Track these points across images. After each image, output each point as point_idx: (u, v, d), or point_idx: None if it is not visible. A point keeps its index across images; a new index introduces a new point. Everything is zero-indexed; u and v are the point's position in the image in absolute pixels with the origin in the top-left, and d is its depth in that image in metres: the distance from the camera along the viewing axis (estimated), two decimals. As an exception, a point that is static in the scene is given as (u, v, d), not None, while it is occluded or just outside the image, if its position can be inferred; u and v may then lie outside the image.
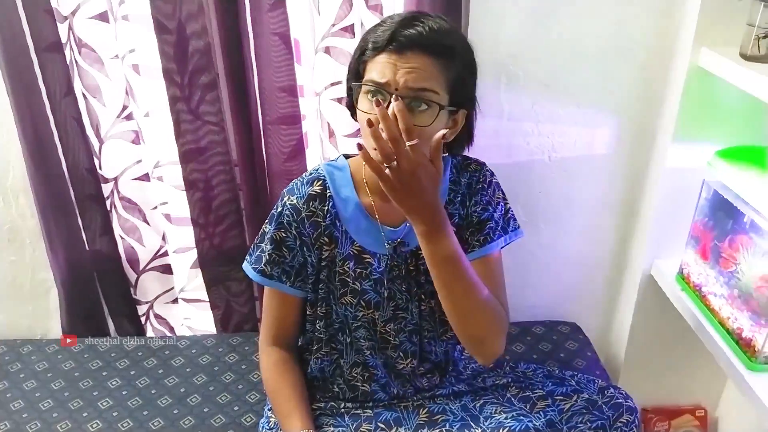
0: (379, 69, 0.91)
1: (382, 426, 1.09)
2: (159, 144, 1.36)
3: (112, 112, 1.33)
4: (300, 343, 1.17)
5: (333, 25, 1.23)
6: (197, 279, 1.51)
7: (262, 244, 1.07)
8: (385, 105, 0.87)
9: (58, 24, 1.23)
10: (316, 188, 1.05)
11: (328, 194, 1.05)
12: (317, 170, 1.08)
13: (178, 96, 1.29)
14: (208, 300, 1.53)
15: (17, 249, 1.50)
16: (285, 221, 1.04)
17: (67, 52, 1.26)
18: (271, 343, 1.13)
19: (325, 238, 1.05)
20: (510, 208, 1.11)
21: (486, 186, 1.09)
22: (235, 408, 1.32)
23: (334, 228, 1.05)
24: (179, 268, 1.51)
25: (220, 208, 1.42)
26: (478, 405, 1.09)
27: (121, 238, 1.47)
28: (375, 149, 0.87)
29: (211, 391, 1.36)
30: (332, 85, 1.30)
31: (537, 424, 1.01)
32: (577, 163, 1.38)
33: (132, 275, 1.51)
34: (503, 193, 1.11)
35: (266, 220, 1.08)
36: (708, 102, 1.18)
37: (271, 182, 1.39)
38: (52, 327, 1.57)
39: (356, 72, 0.97)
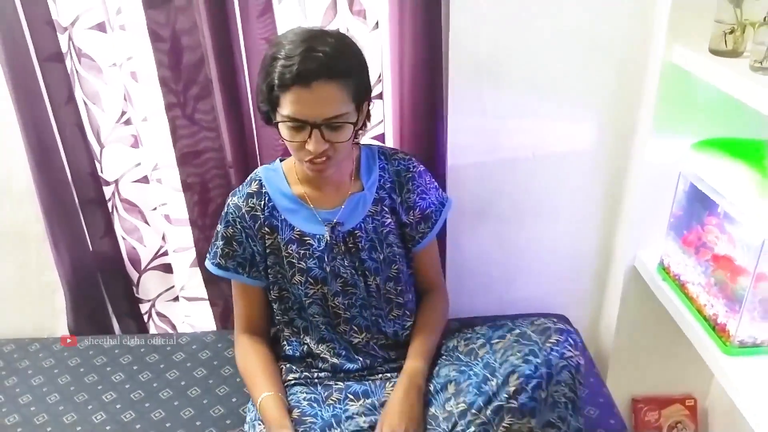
0: (293, 106, 1.03)
1: (351, 397, 1.18)
2: (157, 147, 1.42)
3: (112, 118, 1.39)
4: (272, 333, 1.30)
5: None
6: (197, 277, 1.57)
7: (217, 242, 1.22)
8: (307, 135, 1.04)
9: (58, 35, 1.29)
10: (254, 187, 1.20)
11: (264, 191, 1.19)
12: (255, 173, 1.23)
13: (174, 101, 1.34)
14: (207, 298, 1.59)
15: (24, 252, 1.56)
16: (230, 219, 1.19)
17: (68, 62, 1.32)
18: (241, 332, 1.26)
19: (266, 229, 1.19)
20: (436, 184, 1.26)
21: (416, 174, 1.23)
22: (233, 399, 1.37)
23: (273, 219, 1.19)
24: (179, 267, 1.56)
25: (216, 208, 1.47)
26: (434, 370, 1.20)
27: (123, 238, 1.53)
28: (306, 161, 1.07)
29: (210, 384, 1.41)
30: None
31: (476, 370, 1.09)
32: (561, 159, 1.42)
33: (134, 275, 1.57)
34: (429, 175, 1.25)
35: (219, 221, 1.22)
36: (683, 97, 1.22)
37: (264, 183, 1.44)
38: (59, 326, 1.63)
39: (270, 101, 1.07)
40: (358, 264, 1.20)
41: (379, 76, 1.33)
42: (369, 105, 1.14)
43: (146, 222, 1.51)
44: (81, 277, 1.55)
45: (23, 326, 1.63)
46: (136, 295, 1.60)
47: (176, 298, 1.62)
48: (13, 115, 1.35)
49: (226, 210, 1.20)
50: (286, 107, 1.04)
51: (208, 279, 1.56)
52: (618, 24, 1.27)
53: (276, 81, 1.03)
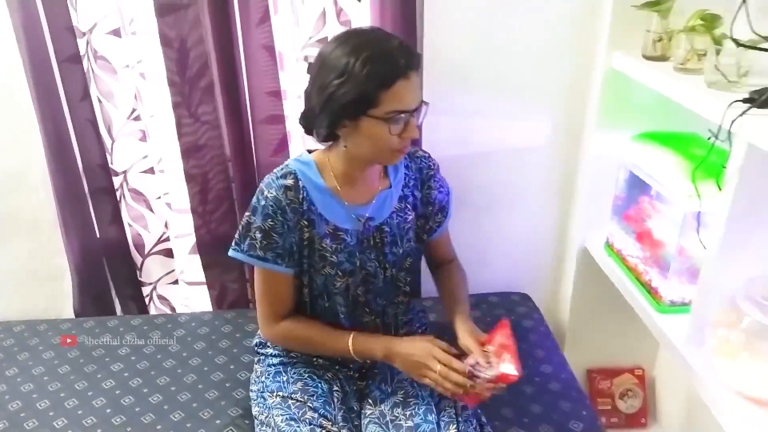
0: (401, 99, 1.10)
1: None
2: (163, 141, 1.58)
3: (123, 114, 1.55)
4: None
5: (310, 37, 1.47)
6: (195, 262, 1.72)
7: (252, 233, 1.22)
8: (403, 125, 1.12)
9: (77, 39, 1.45)
10: (289, 181, 1.21)
11: (300, 185, 1.21)
12: (287, 166, 1.25)
13: (180, 100, 1.51)
14: (205, 281, 1.74)
15: (36, 237, 1.70)
16: (270, 212, 1.20)
17: (85, 63, 1.48)
18: (273, 320, 1.29)
19: (305, 221, 1.22)
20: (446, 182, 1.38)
21: (436, 171, 1.34)
22: (231, 367, 1.52)
23: (310, 213, 1.22)
24: (179, 252, 1.71)
25: (215, 198, 1.63)
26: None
27: (129, 225, 1.68)
28: (397, 150, 1.15)
29: (210, 355, 1.55)
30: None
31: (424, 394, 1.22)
32: (521, 152, 1.62)
33: (138, 259, 1.72)
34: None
35: (248, 212, 1.23)
36: (622, 96, 1.43)
37: (259, 174, 1.61)
38: (66, 308, 1.77)
39: (362, 106, 1.10)
40: (381, 258, 1.28)
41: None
42: None
43: (151, 210, 1.67)
44: (88, 262, 1.69)
45: (33, 308, 1.76)
46: (139, 278, 1.75)
47: (176, 281, 1.77)
48: (32, 110, 1.50)
49: (263, 203, 1.20)
50: (391, 103, 1.09)
51: (206, 264, 1.71)
52: (568, 36, 1.48)
53: (379, 80, 1.07)
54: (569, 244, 1.70)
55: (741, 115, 0.96)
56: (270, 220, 1.20)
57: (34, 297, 1.76)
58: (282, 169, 1.25)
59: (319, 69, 1.13)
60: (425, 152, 1.36)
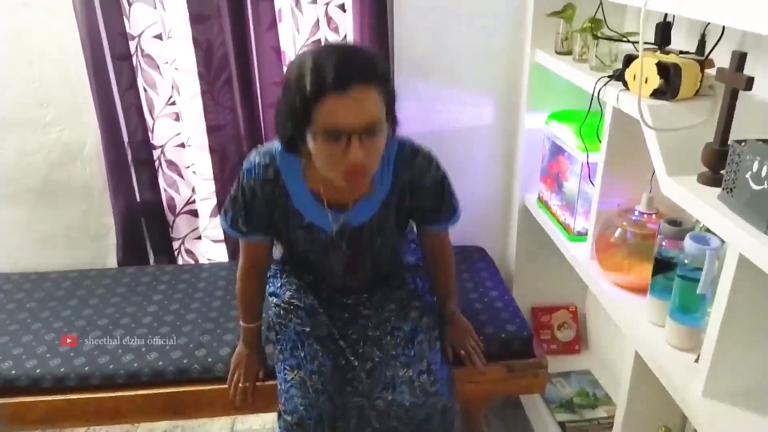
0: (333, 112, 1.02)
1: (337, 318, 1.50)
2: (192, 122, 2.01)
3: (163, 100, 1.98)
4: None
5: (307, 39, 1.91)
6: (216, 221, 2.14)
7: (235, 208, 1.36)
8: (345, 145, 1.07)
9: (129, 41, 1.89)
10: (270, 174, 1.26)
11: (281, 182, 1.27)
12: (275, 151, 1.27)
13: (206, 89, 1.93)
14: (223, 238, 2.16)
15: (88, 201, 2.11)
16: (249, 196, 1.32)
17: (134, 60, 1.91)
18: (249, 268, 1.49)
19: (280, 211, 1.34)
20: (453, 190, 1.46)
21: (428, 184, 1.38)
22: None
23: (288, 206, 1.30)
24: (203, 212, 2.14)
25: (232, 167, 2.05)
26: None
27: (164, 190, 2.10)
28: (343, 171, 1.11)
29: (228, 299, 1.90)
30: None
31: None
32: (472, 130, 2.05)
33: (170, 218, 2.14)
34: (448, 180, 1.44)
35: (234, 185, 1.36)
36: (543, 83, 1.87)
37: (267, 148, 2.03)
38: (110, 259, 2.18)
39: (303, 113, 1.06)
40: (358, 250, 1.40)
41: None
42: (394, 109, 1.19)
43: (182, 177, 2.09)
44: (129, 221, 2.10)
45: (82, 259, 2.18)
46: (171, 234, 2.17)
47: (200, 237, 2.19)
48: (90, 98, 1.93)
49: (243, 184, 1.30)
50: (322, 119, 1.03)
51: (224, 222, 2.13)
52: (503, 38, 1.92)
53: (309, 89, 1.01)
54: (512, 203, 2.13)
55: (604, 86, 1.41)
56: (249, 200, 1.33)
57: (84, 250, 2.17)
58: (265, 154, 1.28)
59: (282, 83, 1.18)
60: (430, 156, 1.37)
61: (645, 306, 1.34)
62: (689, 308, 1.19)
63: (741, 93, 1.06)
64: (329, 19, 1.89)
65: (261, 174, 1.27)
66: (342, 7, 1.88)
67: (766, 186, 0.91)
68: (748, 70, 1.05)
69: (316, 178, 1.25)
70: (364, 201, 1.30)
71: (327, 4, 1.87)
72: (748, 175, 0.95)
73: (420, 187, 1.35)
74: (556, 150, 1.82)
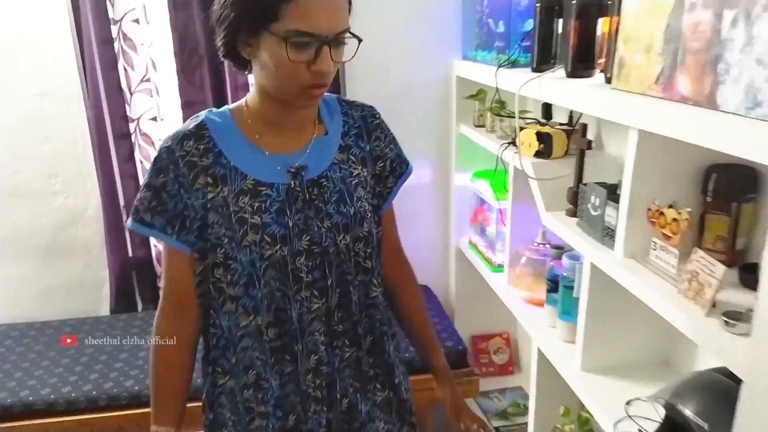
0: (309, 14, 0.89)
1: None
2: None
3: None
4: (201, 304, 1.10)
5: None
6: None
7: (142, 193, 1.03)
8: (314, 54, 0.91)
9: (129, 123, 2.29)
10: (191, 127, 1.01)
11: (206, 134, 1.01)
12: (197, 116, 1.05)
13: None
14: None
15: (87, 257, 2.44)
16: (161, 165, 1.01)
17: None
18: (166, 307, 1.09)
19: (208, 179, 1.01)
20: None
21: (382, 122, 1.16)
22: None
23: (218, 166, 1.01)
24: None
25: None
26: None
27: (154, 246, 2.45)
28: (306, 87, 0.94)
29: None
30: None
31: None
32: (415, 188, 2.48)
33: (158, 269, 2.48)
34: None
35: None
36: (467, 150, 2.35)
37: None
38: (103, 308, 2.49)
39: (268, 11, 0.90)
40: (325, 218, 1.04)
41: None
42: None
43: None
44: (122, 273, 2.44)
45: (80, 310, 2.48)
46: (158, 284, 2.50)
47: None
48: (93, 169, 2.31)
49: (156, 155, 1.02)
50: (293, 19, 0.89)
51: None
52: (436, 114, 2.41)
53: None
54: (450, 247, 2.57)
55: (504, 150, 1.88)
56: (162, 175, 1.02)
57: (80, 302, 2.49)
58: (190, 119, 1.06)
59: None
60: (365, 103, 1.18)
61: (543, 314, 1.76)
62: (570, 310, 1.61)
63: (590, 151, 1.53)
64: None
65: (180, 133, 1.03)
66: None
67: (599, 212, 1.36)
68: (598, 135, 1.53)
69: (252, 126, 1.04)
70: (319, 143, 1.08)
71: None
72: (588, 206, 1.40)
73: (374, 124, 1.15)
74: (479, 201, 2.28)
